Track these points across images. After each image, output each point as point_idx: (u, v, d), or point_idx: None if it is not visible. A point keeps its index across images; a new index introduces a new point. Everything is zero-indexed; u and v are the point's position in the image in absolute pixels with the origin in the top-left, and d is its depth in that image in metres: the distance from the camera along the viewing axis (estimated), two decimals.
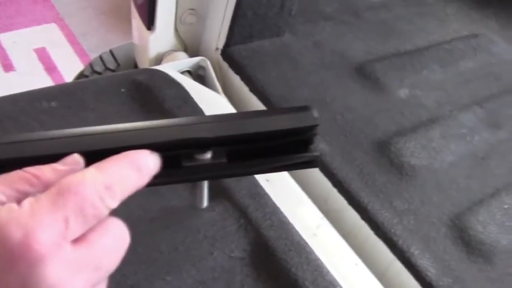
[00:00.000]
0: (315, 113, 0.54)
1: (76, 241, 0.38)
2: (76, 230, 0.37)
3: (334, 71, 1.15)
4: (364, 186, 0.90)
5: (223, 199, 0.79)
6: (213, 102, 0.98)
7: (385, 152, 0.97)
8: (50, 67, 2.51)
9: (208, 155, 0.51)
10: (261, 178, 0.84)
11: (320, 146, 0.93)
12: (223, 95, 1.06)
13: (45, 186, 0.39)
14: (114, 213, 0.41)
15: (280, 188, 0.84)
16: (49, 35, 2.70)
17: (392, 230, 0.84)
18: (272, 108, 1.02)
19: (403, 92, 1.13)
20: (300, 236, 0.76)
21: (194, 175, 0.53)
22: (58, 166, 0.42)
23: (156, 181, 0.46)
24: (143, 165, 0.44)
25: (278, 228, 0.76)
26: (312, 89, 1.08)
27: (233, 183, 0.80)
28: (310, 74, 1.12)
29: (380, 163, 0.95)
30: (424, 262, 0.80)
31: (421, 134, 1.02)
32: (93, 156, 0.43)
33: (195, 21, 1.16)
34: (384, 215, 0.86)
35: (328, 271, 0.73)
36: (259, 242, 0.75)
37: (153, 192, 0.76)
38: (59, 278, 0.36)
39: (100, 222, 0.40)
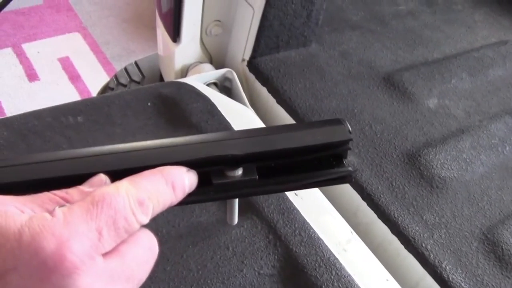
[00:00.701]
0: (348, 127, 0.52)
1: (107, 252, 0.37)
2: (108, 243, 0.37)
3: (361, 81, 1.13)
4: (394, 199, 0.88)
5: (252, 215, 0.78)
6: (240, 115, 0.97)
7: (415, 164, 0.95)
8: (74, 76, 2.52)
9: (239, 172, 0.49)
10: (289, 192, 0.83)
11: (349, 158, 0.92)
12: (250, 107, 1.05)
13: None
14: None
15: (309, 202, 0.83)
16: (72, 44, 2.72)
17: (423, 245, 0.82)
18: (300, 119, 1.01)
19: (432, 102, 1.12)
20: (330, 251, 0.75)
21: (225, 193, 0.52)
22: (85, 188, 0.41)
23: (187, 199, 0.45)
24: (178, 182, 0.43)
25: (308, 244, 0.75)
26: (339, 100, 1.07)
27: (262, 198, 0.80)
28: (337, 84, 1.10)
29: (410, 175, 0.93)
30: (456, 277, 0.79)
31: (451, 145, 1.00)
32: (121, 175, 0.42)
33: (220, 33, 1.15)
34: (414, 229, 0.84)
35: None
36: (288, 259, 0.74)
37: (181, 207, 0.75)
38: None
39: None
